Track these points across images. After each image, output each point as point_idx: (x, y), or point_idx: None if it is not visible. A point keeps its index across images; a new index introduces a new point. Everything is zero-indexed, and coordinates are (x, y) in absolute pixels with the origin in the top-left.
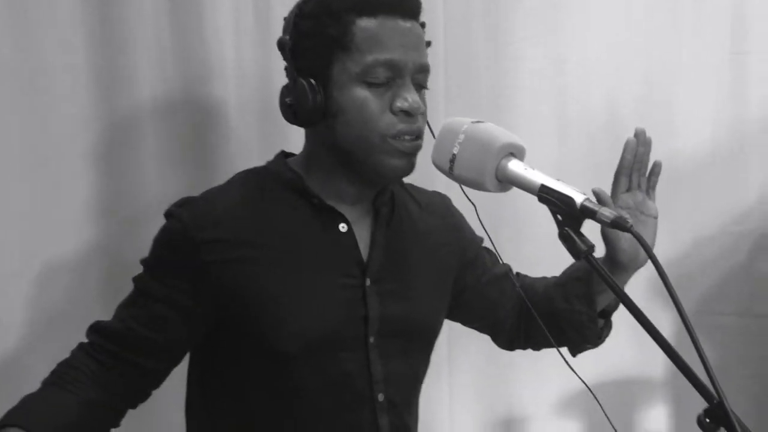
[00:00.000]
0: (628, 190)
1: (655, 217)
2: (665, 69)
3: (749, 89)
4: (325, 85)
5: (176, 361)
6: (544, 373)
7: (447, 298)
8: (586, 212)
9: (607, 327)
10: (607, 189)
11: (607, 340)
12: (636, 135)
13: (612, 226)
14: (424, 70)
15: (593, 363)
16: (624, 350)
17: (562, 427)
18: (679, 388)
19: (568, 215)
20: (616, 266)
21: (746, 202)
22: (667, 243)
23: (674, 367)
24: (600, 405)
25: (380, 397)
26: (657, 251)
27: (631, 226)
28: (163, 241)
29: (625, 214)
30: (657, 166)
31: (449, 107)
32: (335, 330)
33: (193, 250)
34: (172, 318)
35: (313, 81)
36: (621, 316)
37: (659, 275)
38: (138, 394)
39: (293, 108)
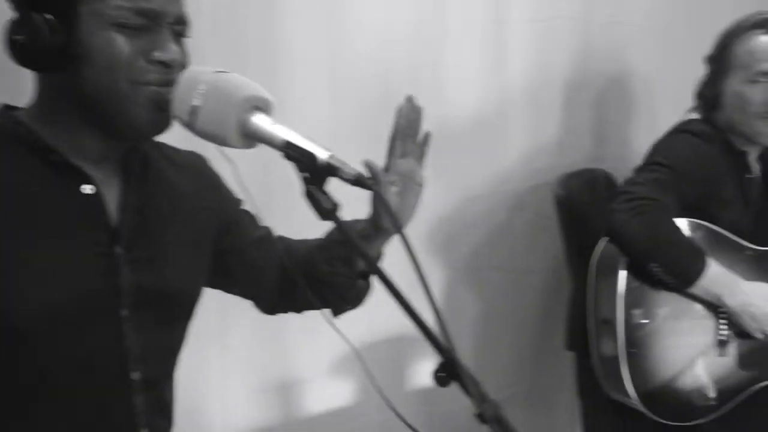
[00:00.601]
0: (402, 156)
1: (422, 186)
2: (433, 36)
3: (512, 57)
4: (70, 24)
5: None
6: (319, 335)
7: (206, 263)
8: (328, 169)
9: (366, 287)
10: (379, 155)
11: (382, 296)
12: (407, 100)
13: (354, 184)
14: (182, 21)
15: (366, 322)
16: (395, 307)
17: (338, 388)
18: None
19: (313, 173)
20: (378, 228)
21: (507, 164)
22: (439, 202)
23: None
24: (365, 366)
25: (135, 375)
26: (430, 211)
27: (373, 184)
28: None
29: (395, 179)
30: (427, 136)
31: (216, 61)
32: (80, 303)
33: None
34: None
35: (51, 17)
36: (396, 277)
37: (401, 239)
38: None
39: (25, 47)
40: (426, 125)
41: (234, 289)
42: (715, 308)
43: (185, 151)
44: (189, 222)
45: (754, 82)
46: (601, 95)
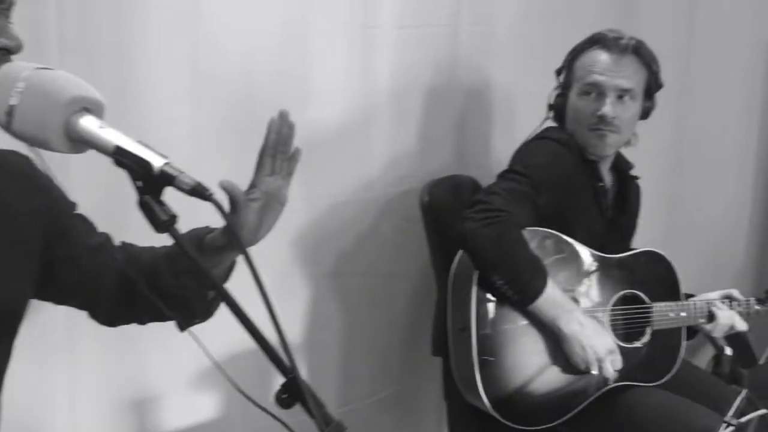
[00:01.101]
0: (270, 174)
1: (284, 204)
2: (299, 39)
3: (379, 63)
4: None
5: None
6: (177, 347)
7: (32, 274)
8: (164, 178)
9: (218, 299)
10: (245, 159)
11: (249, 307)
12: (279, 115)
13: (191, 194)
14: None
15: (228, 331)
16: (264, 318)
17: (197, 402)
18: (312, 352)
19: (147, 181)
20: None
21: (373, 170)
22: (305, 209)
23: (310, 332)
24: (227, 376)
25: None
26: (295, 217)
27: (211, 194)
28: None
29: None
30: (297, 153)
31: (65, 60)
32: None
33: None
34: None
35: None
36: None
37: (242, 253)
38: None
39: None
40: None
41: (69, 301)
42: None
43: (6, 150)
44: (9, 229)
45: (585, 94)
46: (465, 103)
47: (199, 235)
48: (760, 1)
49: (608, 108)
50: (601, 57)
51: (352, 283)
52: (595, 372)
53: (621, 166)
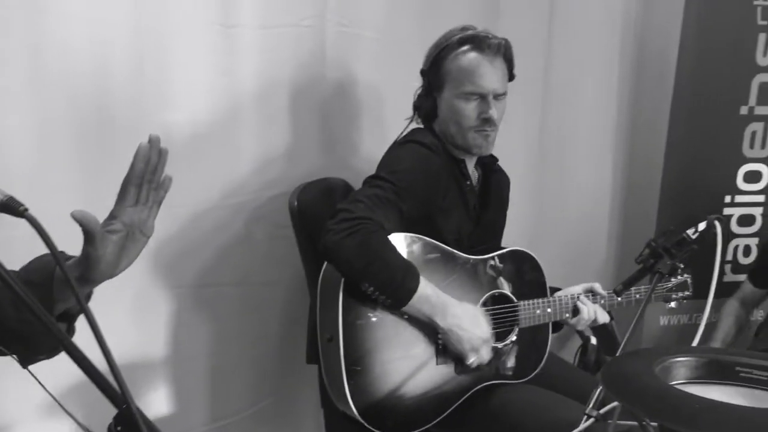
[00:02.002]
0: (135, 204)
1: (149, 237)
2: (154, 38)
3: (242, 63)
4: None
5: None
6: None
7: None
8: None
9: (70, 331)
10: (97, 169)
11: (108, 322)
12: (150, 141)
13: (2, 210)
14: None
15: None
16: (125, 333)
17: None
18: (177, 367)
19: None
20: (91, 270)
21: (241, 174)
22: (165, 218)
23: (175, 346)
24: (67, 412)
25: None
26: (156, 226)
27: (25, 210)
28: None
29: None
30: (167, 181)
31: None
32: None
33: None
34: None
35: None
36: (119, 300)
37: (74, 295)
38: None
39: None
40: (150, 130)
41: None
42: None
43: None
44: None
45: (466, 97)
46: (334, 105)
47: (49, 264)
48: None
49: (492, 111)
50: (478, 60)
51: (220, 293)
52: (471, 361)
53: (485, 161)
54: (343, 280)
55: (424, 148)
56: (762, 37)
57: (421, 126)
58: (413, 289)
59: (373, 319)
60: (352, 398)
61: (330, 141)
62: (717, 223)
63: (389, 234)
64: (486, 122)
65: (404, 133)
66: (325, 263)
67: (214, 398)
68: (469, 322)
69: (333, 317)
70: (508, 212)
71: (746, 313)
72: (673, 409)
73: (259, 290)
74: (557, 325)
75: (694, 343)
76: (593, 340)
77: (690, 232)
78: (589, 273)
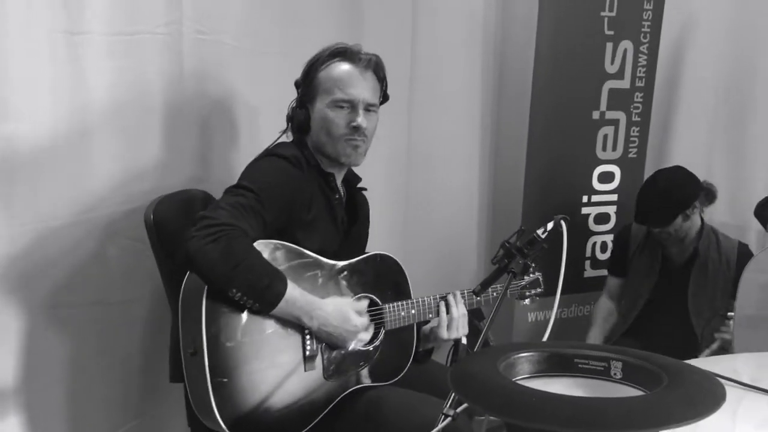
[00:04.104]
0: None
1: None
2: None
3: (93, 73)
4: None
5: None
6: None
7: None
8: None
9: None
10: None
11: None
12: None
13: None
14: None
15: None
16: None
17: None
18: (31, 393)
19: None
20: None
21: (96, 188)
22: (10, 236)
23: (27, 372)
24: None
25: None
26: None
27: None
28: None
29: None
30: None
31: None
32: None
33: None
34: None
35: None
36: None
37: None
38: None
39: None
40: None
41: None
42: (300, 325)
43: None
44: None
45: (337, 106)
46: (196, 115)
47: None
48: (474, 11)
49: (361, 119)
50: (349, 71)
51: (76, 314)
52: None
53: (350, 179)
54: (206, 289)
55: (283, 160)
56: (609, 46)
57: (288, 140)
58: (282, 292)
59: (238, 330)
60: (219, 413)
61: (193, 153)
62: (563, 223)
63: (253, 240)
64: (355, 130)
65: (273, 145)
66: (187, 274)
67: (72, 425)
68: (337, 319)
69: (196, 329)
70: (377, 223)
71: (617, 306)
72: (513, 404)
73: (118, 309)
74: (426, 355)
75: (545, 338)
76: (464, 340)
77: (540, 231)
78: (460, 275)
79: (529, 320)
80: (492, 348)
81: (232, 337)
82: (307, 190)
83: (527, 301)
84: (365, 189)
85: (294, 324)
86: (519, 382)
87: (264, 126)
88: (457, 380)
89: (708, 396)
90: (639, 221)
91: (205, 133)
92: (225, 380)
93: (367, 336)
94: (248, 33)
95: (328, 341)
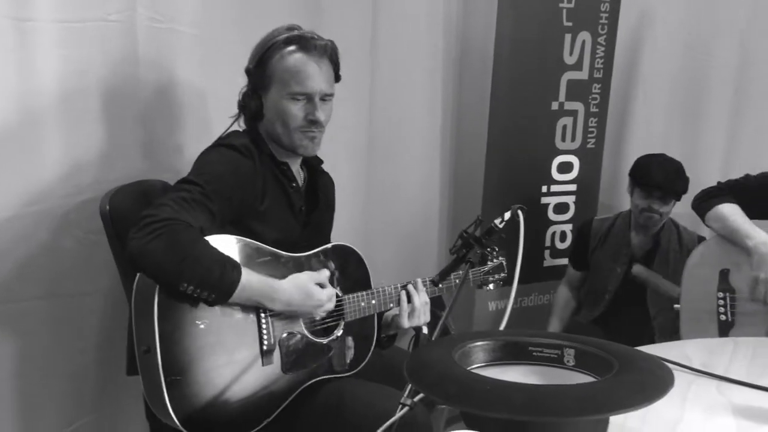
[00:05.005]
0: None
1: None
2: None
3: (41, 60)
4: None
5: None
6: None
7: None
8: None
9: None
10: None
11: None
12: None
13: None
14: None
15: None
16: None
17: None
18: None
19: None
20: None
21: (44, 179)
22: None
23: None
24: None
25: None
26: None
27: None
28: None
29: None
30: None
31: None
32: None
33: None
34: None
35: None
36: None
37: None
38: None
39: None
40: None
41: None
42: (257, 319)
43: None
44: None
45: (293, 98)
46: (150, 103)
47: None
48: (434, 1)
49: (319, 112)
50: (305, 61)
51: (25, 309)
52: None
53: (310, 162)
54: (157, 288)
55: (232, 150)
56: (568, 37)
57: (239, 129)
58: (236, 280)
59: (192, 326)
60: (173, 409)
61: (148, 142)
62: (520, 212)
63: (201, 233)
64: (313, 123)
65: (225, 133)
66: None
67: (22, 423)
68: (300, 297)
69: (149, 328)
70: (338, 213)
71: (576, 295)
72: (467, 393)
73: (71, 302)
74: (389, 341)
75: (503, 326)
76: (425, 329)
77: (497, 221)
78: (422, 264)
79: (490, 309)
80: (448, 337)
81: (186, 333)
82: (259, 179)
83: (491, 286)
84: (327, 173)
85: (251, 318)
86: (474, 370)
87: (219, 114)
88: (412, 370)
89: (658, 381)
90: (655, 185)
91: (159, 122)
92: (179, 378)
93: (331, 305)
94: (204, 21)
95: (295, 318)
